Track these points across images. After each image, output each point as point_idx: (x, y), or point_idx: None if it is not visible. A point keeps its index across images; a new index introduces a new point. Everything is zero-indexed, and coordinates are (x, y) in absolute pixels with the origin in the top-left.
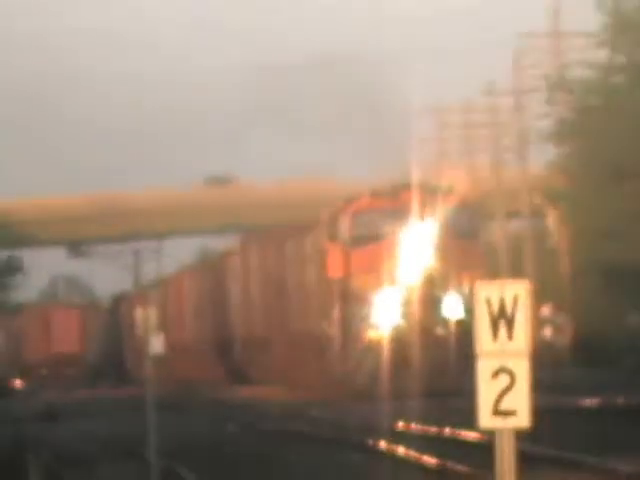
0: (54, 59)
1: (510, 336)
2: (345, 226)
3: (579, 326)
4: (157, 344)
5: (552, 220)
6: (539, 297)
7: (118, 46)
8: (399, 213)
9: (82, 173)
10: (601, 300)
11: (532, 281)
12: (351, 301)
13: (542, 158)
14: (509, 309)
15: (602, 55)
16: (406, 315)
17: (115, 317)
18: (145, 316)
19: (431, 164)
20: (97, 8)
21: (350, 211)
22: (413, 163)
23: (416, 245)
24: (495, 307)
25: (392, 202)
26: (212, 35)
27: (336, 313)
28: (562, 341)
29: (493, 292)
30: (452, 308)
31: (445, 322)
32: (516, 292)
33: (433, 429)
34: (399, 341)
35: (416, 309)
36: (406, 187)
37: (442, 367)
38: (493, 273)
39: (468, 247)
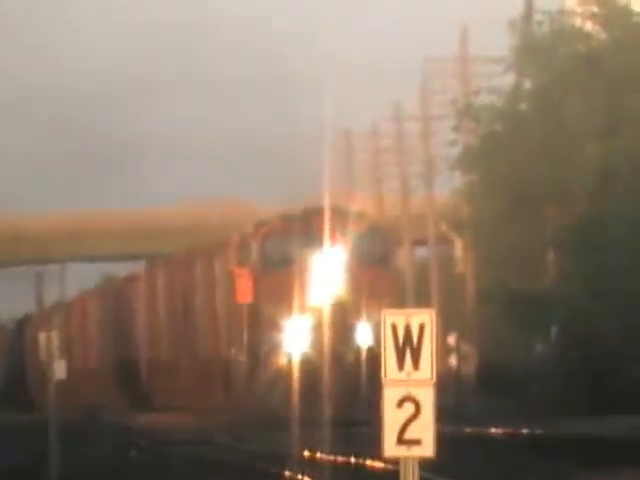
0: None
1: (416, 365)
2: (255, 250)
3: (484, 355)
4: (60, 369)
5: (458, 247)
6: (445, 325)
7: None
8: (310, 238)
9: None
10: (505, 328)
11: (438, 309)
12: (260, 327)
13: (449, 185)
14: (415, 337)
15: (509, 81)
16: (316, 342)
17: (18, 341)
18: (48, 340)
19: (341, 189)
20: None
21: (260, 235)
22: (324, 188)
23: (327, 271)
24: (401, 335)
25: (303, 227)
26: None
27: (245, 339)
28: (467, 370)
29: (399, 320)
30: (362, 335)
31: (356, 349)
32: (422, 320)
33: (339, 458)
34: (309, 368)
35: (326, 336)
36: (317, 212)
37: (352, 395)
38: (401, 300)
39: (379, 273)
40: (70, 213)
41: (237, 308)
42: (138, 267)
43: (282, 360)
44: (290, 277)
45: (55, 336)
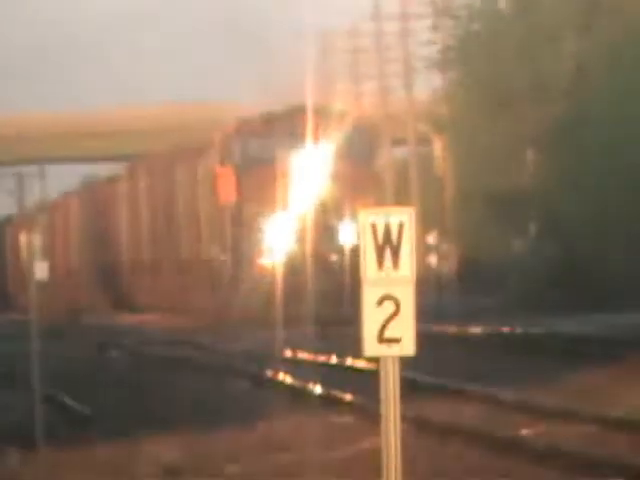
0: None
1: (395, 263)
2: (237, 149)
3: (464, 253)
4: (41, 270)
5: (438, 147)
6: (424, 225)
7: None
8: (293, 136)
9: None
10: (485, 226)
11: (418, 208)
12: (243, 227)
13: (428, 85)
14: (394, 236)
15: None
16: (299, 241)
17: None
18: (29, 241)
19: (322, 89)
20: None
21: (242, 134)
22: (306, 86)
23: (310, 170)
24: (380, 234)
25: (286, 125)
26: None
27: (228, 239)
28: (447, 268)
29: (378, 219)
30: (346, 234)
31: (339, 249)
32: (401, 219)
33: (321, 357)
34: (292, 267)
35: (309, 235)
36: (300, 110)
37: (336, 294)
38: (380, 200)
39: (363, 171)
40: (50, 113)
41: (219, 208)
42: (119, 168)
43: (265, 259)
44: (273, 176)
45: (37, 237)
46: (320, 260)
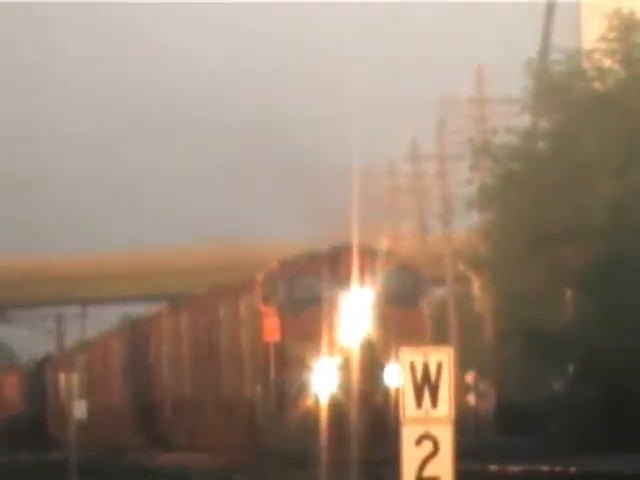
0: None
1: (434, 403)
2: (282, 288)
3: (502, 392)
4: (80, 409)
5: (476, 286)
6: (463, 364)
7: None
8: (338, 277)
9: (1, 236)
10: (523, 366)
11: (456, 348)
12: (287, 367)
13: (466, 224)
14: (433, 376)
15: (526, 121)
16: (344, 382)
17: (38, 381)
18: (68, 380)
19: (364, 227)
20: None
21: (287, 273)
22: (352, 225)
23: (356, 311)
24: (419, 373)
25: (331, 265)
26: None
27: (271, 378)
28: (485, 408)
29: (417, 358)
30: (392, 376)
31: (386, 390)
32: (439, 359)
33: None
34: (337, 409)
35: (354, 376)
36: (345, 250)
37: (380, 434)
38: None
39: (409, 313)
40: (89, 254)
41: (263, 347)
42: (160, 307)
43: (309, 401)
44: (318, 316)
45: (75, 376)
46: (365, 401)
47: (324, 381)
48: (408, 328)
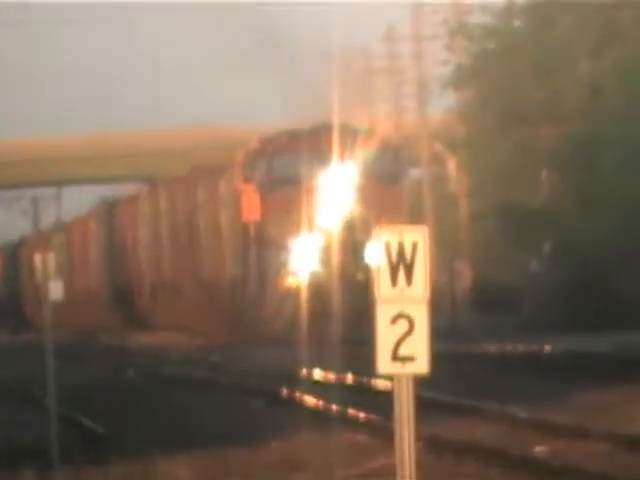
0: None
1: (409, 282)
2: (262, 167)
3: (478, 272)
4: (56, 290)
5: (451, 166)
6: (438, 243)
7: None
8: (319, 155)
9: None
10: (499, 245)
11: (431, 227)
12: (267, 245)
13: (442, 105)
14: (408, 255)
15: (501, 0)
16: (324, 261)
17: (14, 263)
18: (44, 261)
19: (344, 110)
20: None
21: (267, 151)
22: (332, 105)
23: (336, 189)
24: (394, 253)
25: (311, 143)
26: None
27: (251, 257)
28: (460, 286)
29: (392, 238)
30: (372, 254)
31: (366, 268)
32: (415, 238)
33: (340, 376)
34: (318, 287)
35: (335, 255)
36: (326, 128)
37: (361, 314)
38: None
39: (390, 191)
40: (65, 136)
41: (243, 227)
42: (138, 188)
43: (290, 279)
44: (298, 194)
45: (52, 257)
46: (345, 280)
47: (304, 259)
48: (389, 206)
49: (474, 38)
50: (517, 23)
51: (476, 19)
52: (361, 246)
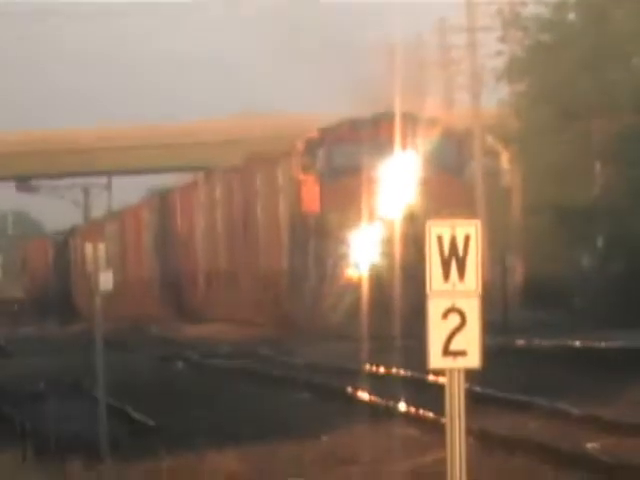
0: None
1: (461, 276)
2: (322, 156)
3: (529, 266)
4: (106, 280)
5: (504, 160)
6: (491, 238)
7: None
8: (380, 144)
9: (31, 109)
10: (552, 240)
11: (484, 222)
12: (327, 237)
13: (496, 97)
14: (460, 249)
15: None
16: (386, 253)
17: (64, 253)
18: (95, 251)
19: (407, 97)
20: None
21: (328, 141)
22: (394, 94)
23: (398, 179)
24: (446, 246)
25: (372, 132)
26: None
27: (310, 250)
28: (512, 281)
29: (444, 231)
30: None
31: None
32: (467, 231)
33: (392, 370)
34: (379, 281)
35: (396, 247)
36: (387, 118)
37: (422, 307)
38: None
39: (452, 182)
40: (116, 126)
41: (301, 217)
42: (193, 177)
43: (350, 272)
44: (359, 185)
45: (102, 246)
46: (407, 273)
47: (365, 252)
48: (452, 197)
49: (528, 30)
50: (571, 16)
51: (530, 11)
52: (423, 238)
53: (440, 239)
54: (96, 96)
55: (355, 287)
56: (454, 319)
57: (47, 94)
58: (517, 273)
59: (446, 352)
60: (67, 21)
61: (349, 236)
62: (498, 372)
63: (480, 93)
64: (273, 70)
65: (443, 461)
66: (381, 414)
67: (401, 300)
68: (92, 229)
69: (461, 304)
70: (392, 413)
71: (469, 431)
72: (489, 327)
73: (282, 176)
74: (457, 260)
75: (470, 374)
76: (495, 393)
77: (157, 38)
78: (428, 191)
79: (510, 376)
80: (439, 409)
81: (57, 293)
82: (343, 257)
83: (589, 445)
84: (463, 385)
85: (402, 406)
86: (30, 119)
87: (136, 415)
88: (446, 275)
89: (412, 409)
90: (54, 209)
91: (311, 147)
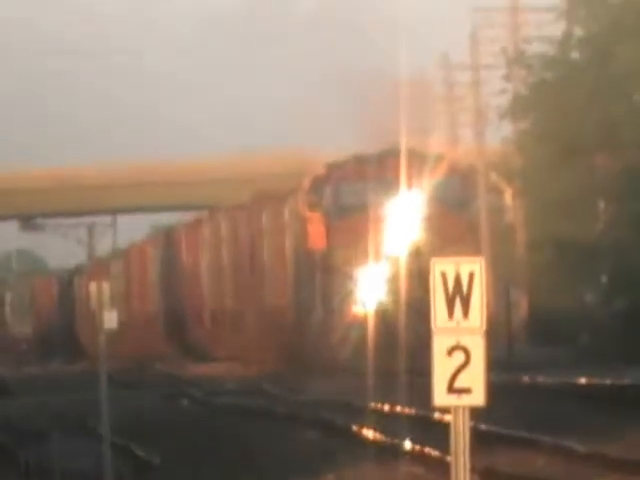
0: None
1: (465, 313)
2: (328, 194)
3: (534, 303)
4: (111, 318)
5: (508, 197)
6: (495, 274)
7: None
8: (386, 182)
9: (36, 147)
10: (556, 277)
11: (488, 258)
12: (334, 274)
13: (499, 135)
14: (464, 286)
15: (560, 30)
16: (392, 290)
17: (69, 291)
18: (99, 289)
19: (413, 133)
20: None
21: (334, 179)
22: (400, 130)
23: (403, 216)
24: (450, 284)
25: (378, 170)
26: None
27: (317, 287)
28: (517, 317)
29: (449, 268)
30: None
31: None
32: (471, 269)
33: (396, 407)
34: (385, 317)
35: (402, 284)
36: (393, 154)
37: (427, 344)
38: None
39: (457, 218)
40: (120, 163)
41: (308, 255)
42: (197, 214)
43: (356, 309)
44: (365, 222)
45: (107, 285)
46: (413, 309)
47: (371, 289)
48: (457, 234)
49: (532, 68)
50: (574, 54)
51: (534, 49)
52: (428, 275)
53: (444, 276)
54: (100, 134)
55: (361, 323)
56: (459, 356)
57: (51, 132)
58: (521, 309)
59: (451, 389)
60: (71, 58)
61: (355, 273)
62: (503, 409)
63: (484, 130)
64: (276, 104)
65: None
66: (387, 452)
67: (407, 336)
68: (97, 268)
69: (465, 341)
70: (397, 451)
71: (474, 469)
72: (494, 364)
73: (288, 213)
74: (461, 297)
75: (475, 411)
76: (500, 430)
77: (157, 77)
78: (433, 227)
79: (515, 413)
80: (444, 446)
81: (62, 331)
82: (349, 294)
83: None
84: (468, 423)
85: (407, 444)
86: (34, 157)
87: (140, 452)
88: (450, 312)
89: (417, 447)
90: (59, 247)
91: (317, 185)
